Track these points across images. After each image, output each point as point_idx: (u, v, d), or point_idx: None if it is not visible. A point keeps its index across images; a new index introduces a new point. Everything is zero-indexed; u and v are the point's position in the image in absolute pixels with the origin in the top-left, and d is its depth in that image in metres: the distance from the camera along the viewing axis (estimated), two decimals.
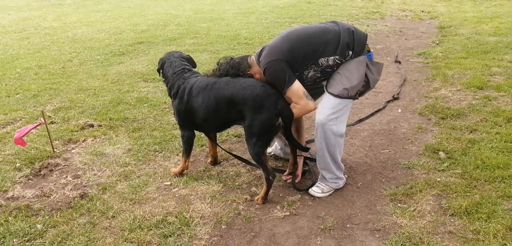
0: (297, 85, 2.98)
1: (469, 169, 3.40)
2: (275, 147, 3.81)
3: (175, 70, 3.36)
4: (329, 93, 3.08)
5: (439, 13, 10.10)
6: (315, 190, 3.23)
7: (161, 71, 3.52)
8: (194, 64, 3.56)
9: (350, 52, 3.06)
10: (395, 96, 4.52)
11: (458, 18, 9.31)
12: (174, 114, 3.48)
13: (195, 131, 3.43)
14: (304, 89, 3.01)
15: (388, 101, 4.44)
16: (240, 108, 3.05)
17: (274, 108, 3.00)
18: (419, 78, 5.67)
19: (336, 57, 3.04)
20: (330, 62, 3.06)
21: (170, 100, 3.48)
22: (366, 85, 3.16)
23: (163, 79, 3.48)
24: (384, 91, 5.27)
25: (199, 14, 10.71)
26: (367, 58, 3.13)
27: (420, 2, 11.76)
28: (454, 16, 9.57)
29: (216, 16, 10.24)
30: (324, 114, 3.05)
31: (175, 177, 3.44)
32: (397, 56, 6.16)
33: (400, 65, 5.87)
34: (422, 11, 10.48)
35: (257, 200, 3.13)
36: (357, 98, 3.17)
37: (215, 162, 3.66)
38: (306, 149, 3.36)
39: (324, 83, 3.19)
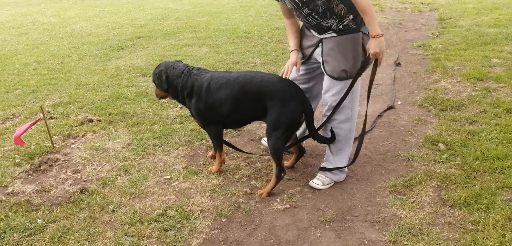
0: None
1: (468, 160, 3.40)
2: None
3: (180, 71, 3.24)
4: (329, 76, 3.06)
5: (439, 5, 10.08)
6: (315, 182, 3.23)
7: (162, 82, 3.27)
8: None
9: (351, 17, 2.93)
10: (390, 106, 4.51)
11: (458, 10, 9.28)
12: (192, 116, 3.36)
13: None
14: None
15: (385, 110, 4.45)
16: (266, 103, 3.02)
17: (301, 103, 3.03)
18: (419, 70, 5.67)
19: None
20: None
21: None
22: (365, 61, 3.03)
23: (167, 88, 3.28)
24: (383, 84, 5.26)
25: (198, 8, 10.68)
26: (364, 30, 2.98)
27: None
28: (454, 8, 9.55)
29: (215, 10, 10.21)
30: (332, 98, 3.09)
31: (213, 174, 3.38)
32: (398, 59, 6.13)
33: (398, 67, 5.83)
34: (422, 3, 10.45)
35: (261, 193, 3.12)
36: (360, 75, 3.06)
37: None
38: (332, 140, 3.20)
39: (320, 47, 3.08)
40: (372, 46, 2.86)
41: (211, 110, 3.18)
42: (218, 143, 3.33)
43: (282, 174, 3.11)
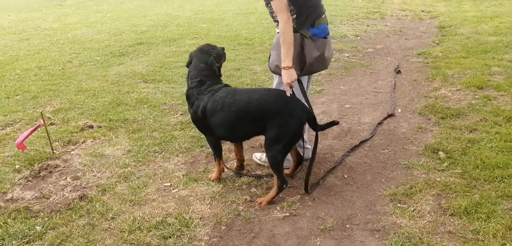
0: None
1: (468, 168, 3.40)
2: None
3: (192, 80, 3.25)
4: (269, 67, 3.34)
5: (439, 13, 10.10)
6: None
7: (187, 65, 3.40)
8: (218, 61, 3.36)
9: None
10: (390, 113, 4.52)
11: (458, 18, 9.30)
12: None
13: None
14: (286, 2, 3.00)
15: (385, 118, 4.45)
16: (265, 123, 3.02)
17: (303, 117, 3.06)
18: (419, 78, 5.67)
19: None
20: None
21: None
22: (314, 64, 3.18)
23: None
24: (384, 92, 5.26)
25: (199, 14, 10.71)
26: (305, 32, 3.13)
27: (420, 1, 11.76)
28: (454, 16, 9.57)
29: (216, 17, 10.24)
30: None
31: (212, 181, 3.38)
32: (398, 66, 6.14)
33: (398, 74, 5.84)
34: (422, 11, 10.48)
35: (261, 202, 3.11)
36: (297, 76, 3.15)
37: (241, 167, 3.54)
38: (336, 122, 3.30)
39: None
40: (283, 78, 3.06)
41: (208, 128, 3.19)
42: (216, 152, 3.34)
43: (284, 185, 3.12)
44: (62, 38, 8.66)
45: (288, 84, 3.05)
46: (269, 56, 3.35)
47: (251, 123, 3.06)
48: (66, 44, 8.10)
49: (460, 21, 9.00)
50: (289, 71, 3.03)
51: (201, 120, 3.19)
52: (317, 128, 3.18)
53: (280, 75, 3.21)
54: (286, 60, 3.01)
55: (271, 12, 3.21)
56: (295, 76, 3.06)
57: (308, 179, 3.22)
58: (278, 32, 3.19)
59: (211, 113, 3.10)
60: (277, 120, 2.99)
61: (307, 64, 3.19)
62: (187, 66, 3.38)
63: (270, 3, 3.05)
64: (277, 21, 3.15)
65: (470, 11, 9.87)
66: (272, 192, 3.12)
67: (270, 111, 3.00)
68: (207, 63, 3.26)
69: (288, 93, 3.06)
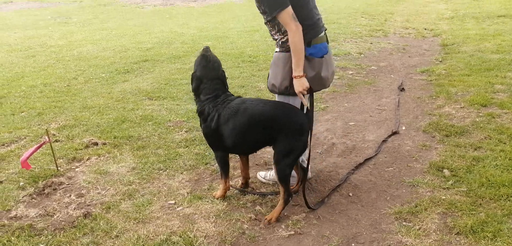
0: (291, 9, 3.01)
1: (474, 186, 3.39)
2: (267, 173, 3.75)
3: (207, 95, 3.21)
4: (267, 86, 3.38)
5: (442, 31, 10.13)
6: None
7: (192, 84, 3.30)
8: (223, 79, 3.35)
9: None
10: (394, 131, 4.53)
11: (460, 36, 9.33)
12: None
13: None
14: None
15: (389, 136, 4.45)
16: (278, 132, 3.04)
17: (310, 129, 3.11)
18: (423, 96, 5.68)
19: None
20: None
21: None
22: (310, 83, 3.17)
23: (194, 95, 3.32)
24: (388, 109, 5.27)
25: (203, 32, 10.78)
26: (305, 52, 3.14)
27: (423, 20, 11.81)
28: (457, 34, 9.60)
29: (221, 34, 10.30)
30: None
31: (217, 199, 3.37)
32: (402, 84, 6.15)
33: (402, 92, 5.84)
34: (425, 29, 10.52)
35: (269, 219, 3.10)
36: (288, 94, 3.22)
37: (246, 184, 3.54)
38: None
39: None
40: (295, 86, 3.10)
41: (219, 138, 3.17)
42: (223, 169, 3.33)
43: (290, 198, 3.13)
44: (67, 55, 8.73)
45: (300, 93, 3.10)
46: (268, 75, 3.38)
47: (262, 130, 3.08)
48: (71, 61, 8.16)
49: (462, 39, 9.03)
50: (300, 80, 3.08)
51: (213, 132, 3.16)
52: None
53: (276, 93, 3.31)
54: (297, 69, 3.06)
55: (270, 30, 3.25)
56: (307, 85, 3.10)
57: (304, 193, 3.24)
58: (277, 51, 3.27)
59: (225, 121, 3.11)
60: (288, 133, 3.02)
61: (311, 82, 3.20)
62: (195, 83, 3.28)
63: (274, 18, 3.05)
64: (276, 39, 3.23)
65: (472, 29, 9.90)
66: (279, 207, 3.12)
67: (282, 122, 3.03)
68: (219, 78, 3.27)
69: (304, 103, 3.13)
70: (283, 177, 3.07)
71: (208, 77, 3.24)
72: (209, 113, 3.16)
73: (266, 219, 3.12)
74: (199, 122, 3.34)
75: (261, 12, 3.18)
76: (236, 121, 3.08)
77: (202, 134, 3.36)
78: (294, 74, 3.08)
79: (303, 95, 3.11)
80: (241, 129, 3.09)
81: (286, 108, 3.11)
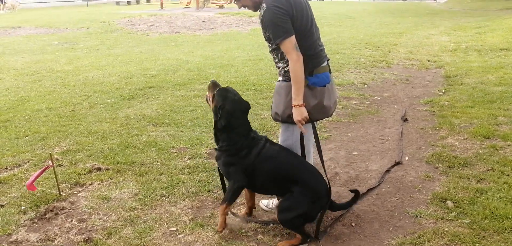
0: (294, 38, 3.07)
1: (477, 219, 3.36)
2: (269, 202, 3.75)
3: (243, 132, 3.19)
4: (271, 115, 3.45)
5: (445, 63, 10.20)
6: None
7: (219, 115, 3.17)
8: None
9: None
10: (397, 161, 4.54)
11: (463, 68, 9.38)
12: (220, 165, 3.28)
13: None
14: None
15: (392, 166, 4.46)
16: (294, 188, 3.10)
17: (323, 204, 3.18)
18: (426, 127, 5.68)
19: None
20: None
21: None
22: (312, 112, 3.23)
23: (219, 131, 3.20)
24: (391, 139, 5.27)
25: (209, 60, 10.89)
26: (308, 81, 3.20)
27: (426, 51, 11.89)
28: (460, 66, 9.65)
29: (226, 63, 10.40)
30: (280, 138, 3.44)
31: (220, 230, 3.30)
32: (405, 115, 6.17)
33: (405, 122, 5.86)
34: (428, 60, 10.58)
35: None
36: (289, 122, 3.28)
37: (250, 213, 3.54)
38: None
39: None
40: (294, 115, 3.16)
41: (250, 174, 3.17)
42: (235, 198, 3.26)
43: (308, 239, 3.15)
44: (73, 80, 8.82)
45: (299, 122, 3.15)
46: (272, 104, 3.43)
47: (289, 183, 3.12)
48: (77, 86, 8.25)
49: (465, 71, 9.07)
50: (299, 109, 3.12)
51: (245, 168, 3.14)
52: (335, 207, 3.34)
53: (280, 122, 3.36)
54: (297, 99, 3.10)
55: (274, 58, 3.30)
56: (306, 114, 3.15)
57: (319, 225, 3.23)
58: (279, 80, 3.31)
59: (262, 161, 3.14)
60: (301, 191, 3.08)
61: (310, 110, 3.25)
62: (225, 118, 3.16)
63: (278, 46, 3.12)
64: (279, 67, 3.28)
65: (475, 62, 9.96)
66: (295, 240, 3.15)
67: (306, 183, 3.11)
68: (247, 110, 3.31)
69: (303, 131, 3.20)
70: (292, 228, 3.17)
71: (240, 110, 3.23)
72: (242, 149, 3.15)
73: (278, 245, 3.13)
74: (217, 153, 3.28)
75: (266, 39, 3.25)
76: (273, 167, 3.14)
77: (221, 163, 3.25)
78: (293, 103, 3.13)
79: (302, 124, 3.16)
80: (276, 175, 3.14)
81: (316, 174, 3.20)
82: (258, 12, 3.20)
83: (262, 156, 3.15)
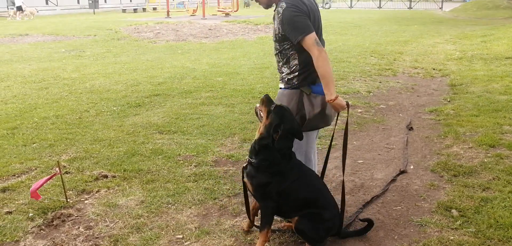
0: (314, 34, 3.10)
1: (482, 227, 3.37)
2: None
3: (287, 153, 3.08)
4: None
5: (450, 71, 10.19)
6: None
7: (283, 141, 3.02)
8: None
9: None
10: (402, 170, 4.55)
11: (468, 76, 9.38)
12: (253, 180, 3.10)
13: None
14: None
15: (398, 174, 4.47)
16: (312, 209, 3.10)
17: (334, 227, 3.20)
18: (431, 135, 5.69)
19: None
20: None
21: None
22: (314, 120, 3.25)
23: (277, 137, 2.99)
24: (396, 148, 5.28)
25: (215, 68, 10.94)
26: (306, 90, 3.24)
27: (431, 60, 11.89)
28: (465, 75, 9.65)
29: (232, 71, 10.45)
30: None
31: None
32: (410, 123, 6.19)
33: (410, 131, 5.87)
34: (434, 69, 10.58)
35: None
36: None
37: (252, 224, 3.50)
38: None
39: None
40: (335, 110, 3.23)
41: (282, 195, 3.09)
42: (271, 220, 3.15)
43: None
44: (80, 87, 8.90)
45: (337, 111, 3.26)
46: None
47: (307, 205, 3.12)
48: (84, 94, 8.32)
49: (471, 79, 9.07)
50: (336, 102, 3.14)
51: (283, 186, 3.07)
52: (341, 234, 3.31)
53: None
54: (329, 93, 3.11)
55: (278, 62, 3.34)
56: (344, 103, 3.19)
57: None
58: (281, 88, 3.36)
59: (294, 179, 3.10)
60: (314, 213, 3.08)
61: (307, 120, 3.27)
62: (284, 139, 3.03)
63: (285, 49, 3.18)
64: (282, 73, 3.32)
65: (480, 70, 9.95)
66: None
67: (317, 204, 3.13)
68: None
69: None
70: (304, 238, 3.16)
71: (293, 131, 3.08)
72: (285, 171, 3.07)
73: None
74: (255, 170, 3.10)
75: (275, 40, 3.26)
76: (306, 194, 3.11)
77: (256, 179, 3.09)
78: (327, 99, 3.12)
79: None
80: (305, 202, 3.11)
81: (330, 201, 3.22)
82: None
83: (299, 181, 3.09)
